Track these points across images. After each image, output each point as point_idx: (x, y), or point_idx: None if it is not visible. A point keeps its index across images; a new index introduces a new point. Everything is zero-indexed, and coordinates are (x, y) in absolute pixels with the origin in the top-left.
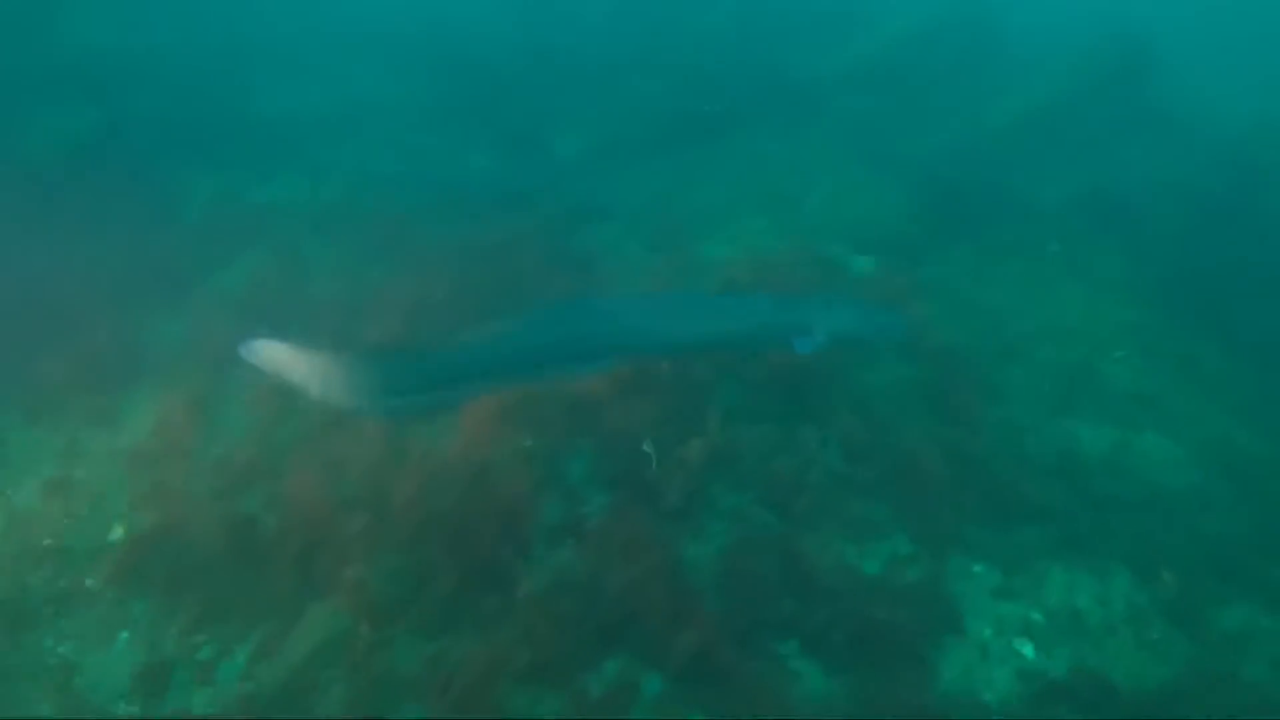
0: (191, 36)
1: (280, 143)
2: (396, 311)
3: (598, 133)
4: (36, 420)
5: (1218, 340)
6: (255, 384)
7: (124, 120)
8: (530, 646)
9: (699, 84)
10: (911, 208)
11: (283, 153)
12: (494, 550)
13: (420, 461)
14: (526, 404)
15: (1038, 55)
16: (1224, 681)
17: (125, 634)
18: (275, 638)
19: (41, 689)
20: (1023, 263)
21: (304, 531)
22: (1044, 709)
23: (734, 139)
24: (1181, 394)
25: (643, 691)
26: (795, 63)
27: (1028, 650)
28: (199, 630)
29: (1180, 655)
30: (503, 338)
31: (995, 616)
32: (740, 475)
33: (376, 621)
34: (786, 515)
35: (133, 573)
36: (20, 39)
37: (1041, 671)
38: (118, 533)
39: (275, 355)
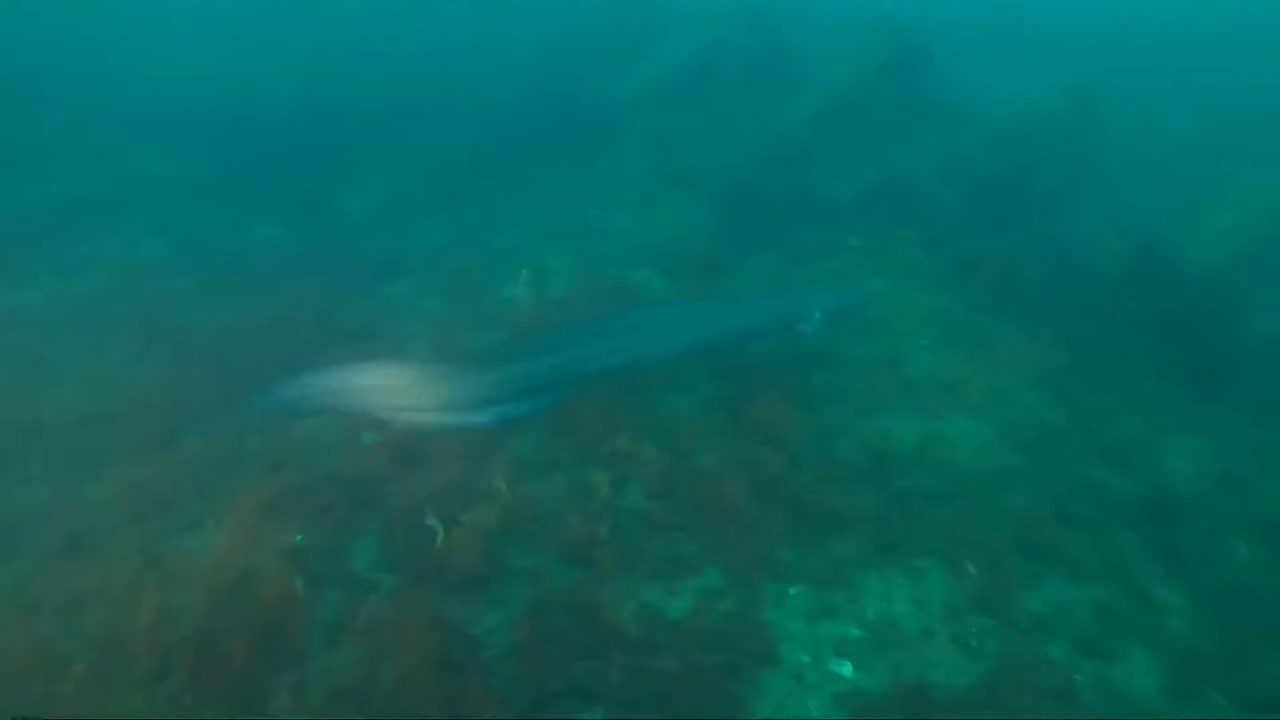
0: None
1: (34, 238)
2: (150, 414)
3: (390, 186)
4: None
5: (1013, 317)
6: None
7: None
8: None
9: (497, 123)
10: (715, 220)
11: (35, 249)
12: (252, 672)
13: (168, 579)
14: (297, 493)
15: (823, 57)
16: (1031, 669)
17: None
18: None
19: None
20: (825, 262)
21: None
22: None
23: (534, 175)
24: (985, 375)
25: None
26: (593, 89)
27: (846, 670)
28: None
29: (993, 648)
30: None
31: (812, 640)
32: (536, 533)
33: None
34: (589, 567)
35: None
36: None
37: (860, 691)
38: None
39: None
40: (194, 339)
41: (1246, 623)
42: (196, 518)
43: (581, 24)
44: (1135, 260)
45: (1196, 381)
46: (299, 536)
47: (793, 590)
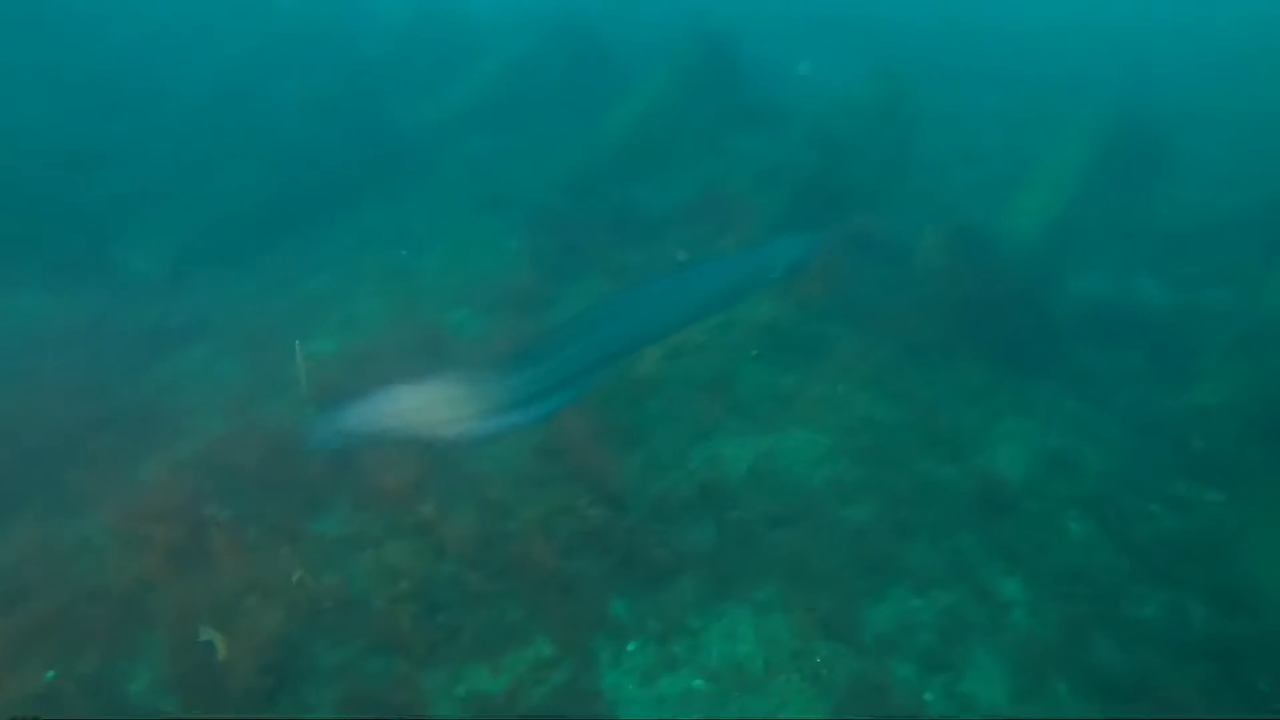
0: None
1: None
2: None
3: (180, 238)
4: None
5: (843, 318)
6: None
7: None
8: None
9: (299, 160)
10: (534, 248)
11: None
12: None
13: None
14: (48, 621)
15: (640, 67)
16: (882, 693)
17: None
18: None
19: None
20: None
21: None
22: None
23: (342, 215)
24: (818, 381)
25: None
26: (403, 115)
27: None
28: None
29: (842, 676)
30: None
31: (654, 699)
32: (343, 623)
33: None
34: (406, 655)
35: None
36: None
37: None
38: None
39: None
40: None
41: (1083, 606)
42: None
43: (387, 45)
44: (952, 246)
45: (1020, 360)
46: (50, 675)
47: (630, 647)
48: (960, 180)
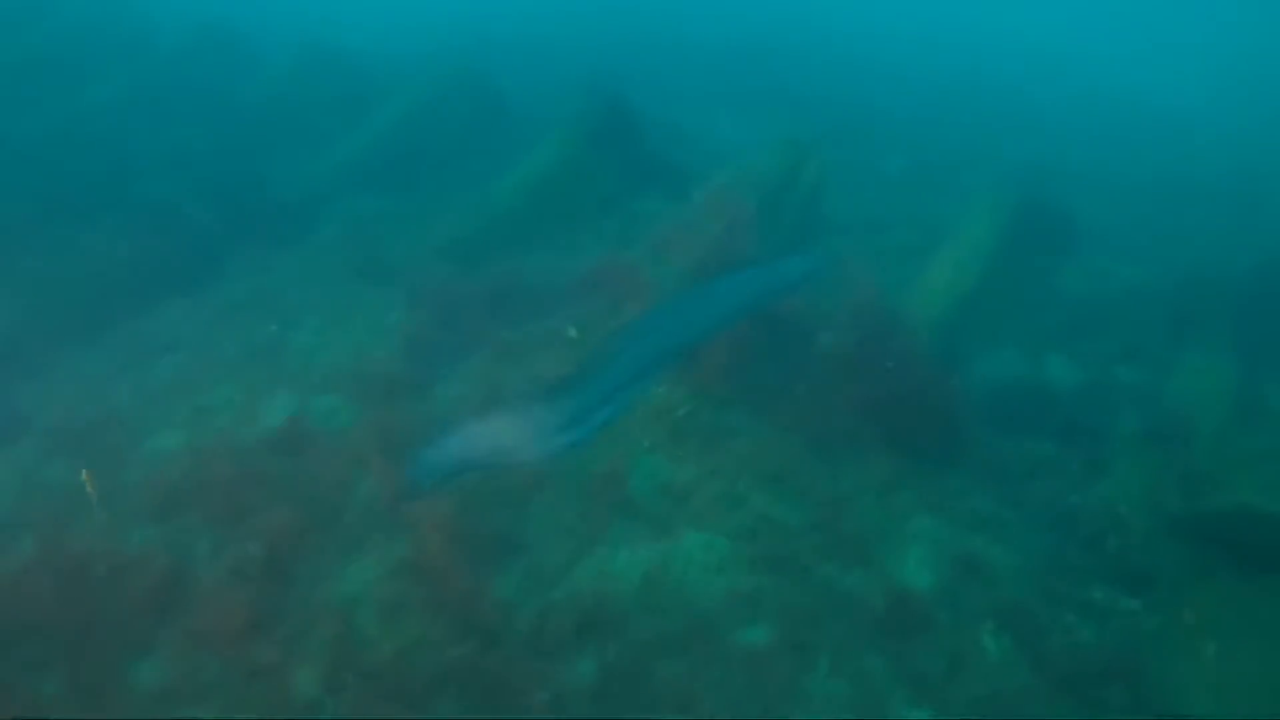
0: None
1: None
2: None
3: (10, 313)
4: None
5: (744, 404)
6: None
7: None
8: None
9: (161, 224)
10: (416, 322)
11: None
12: None
13: None
14: None
15: (542, 121)
16: None
17: None
18: None
19: None
20: (541, 357)
21: None
22: None
23: (208, 285)
24: (717, 475)
25: None
26: (284, 173)
27: None
28: None
29: None
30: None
31: None
32: None
33: None
34: None
35: None
36: None
37: None
38: None
39: None
40: None
41: None
42: None
43: (268, 92)
44: (858, 326)
45: (929, 450)
46: None
47: None
48: (865, 249)
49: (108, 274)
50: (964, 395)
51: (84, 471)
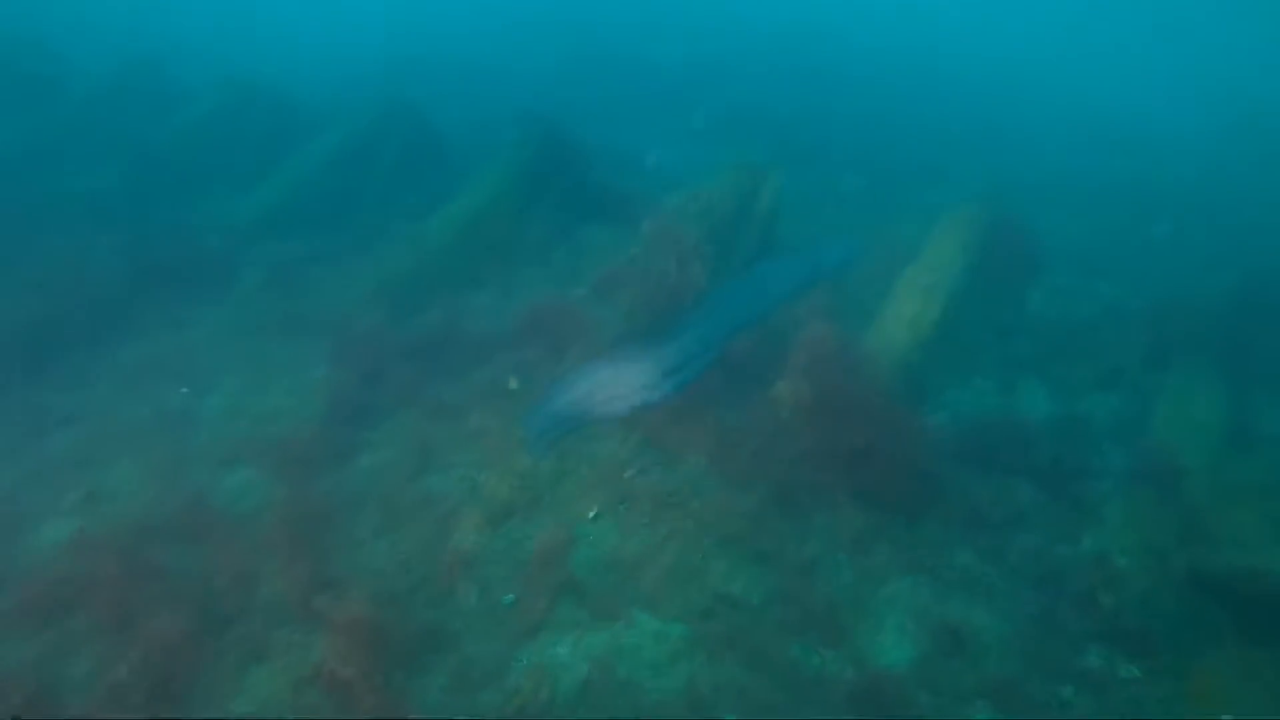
0: None
1: None
2: None
3: None
4: None
5: (698, 457)
6: None
7: None
8: None
9: (65, 277)
10: (340, 380)
11: None
12: None
13: None
14: None
15: (476, 155)
16: None
17: None
18: None
19: None
20: (477, 415)
21: None
22: None
23: (115, 344)
24: (671, 542)
25: None
26: (202, 217)
27: None
28: None
29: None
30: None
31: None
32: None
33: None
34: None
35: None
36: None
37: None
38: None
39: None
40: None
41: None
42: None
43: (191, 134)
44: (821, 367)
45: (902, 499)
46: None
47: None
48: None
49: (3, 335)
50: (936, 436)
51: None
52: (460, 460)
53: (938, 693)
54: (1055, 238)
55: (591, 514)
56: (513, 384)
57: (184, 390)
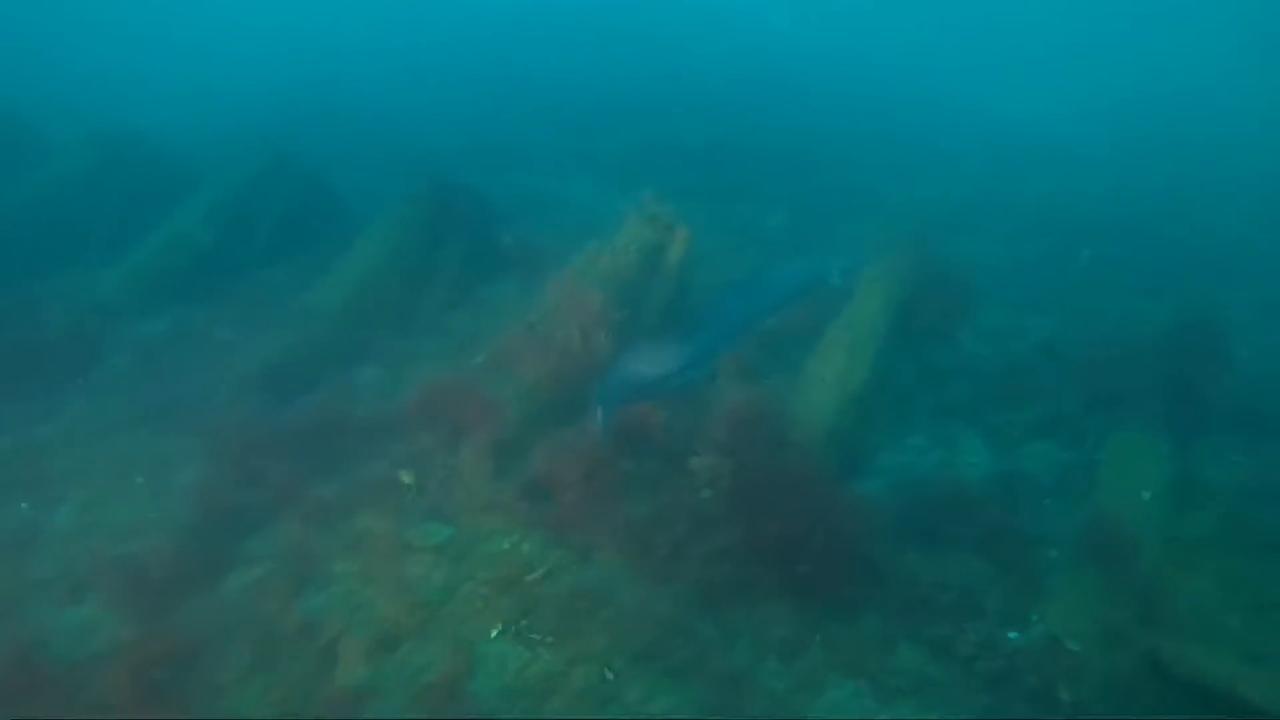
0: None
1: None
2: None
3: None
4: None
5: (610, 553)
6: None
7: None
8: None
9: None
10: (210, 482)
11: None
12: None
13: None
14: None
15: (374, 212)
16: None
17: None
18: None
19: None
20: (363, 517)
21: None
22: None
23: None
24: (583, 660)
25: None
26: (59, 291)
27: None
28: None
29: None
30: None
31: None
32: None
33: None
34: None
35: None
36: None
37: None
38: None
39: None
40: None
41: None
42: None
43: (48, 196)
44: (738, 442)
45: (836, 588)
46: None
47: None
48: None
49: None
50: (872, 511)
51: None
52: (344, 572)
53: None
54: (982, 268)
55: (493, 633)
56: (405, 478)
57: (23, 506)
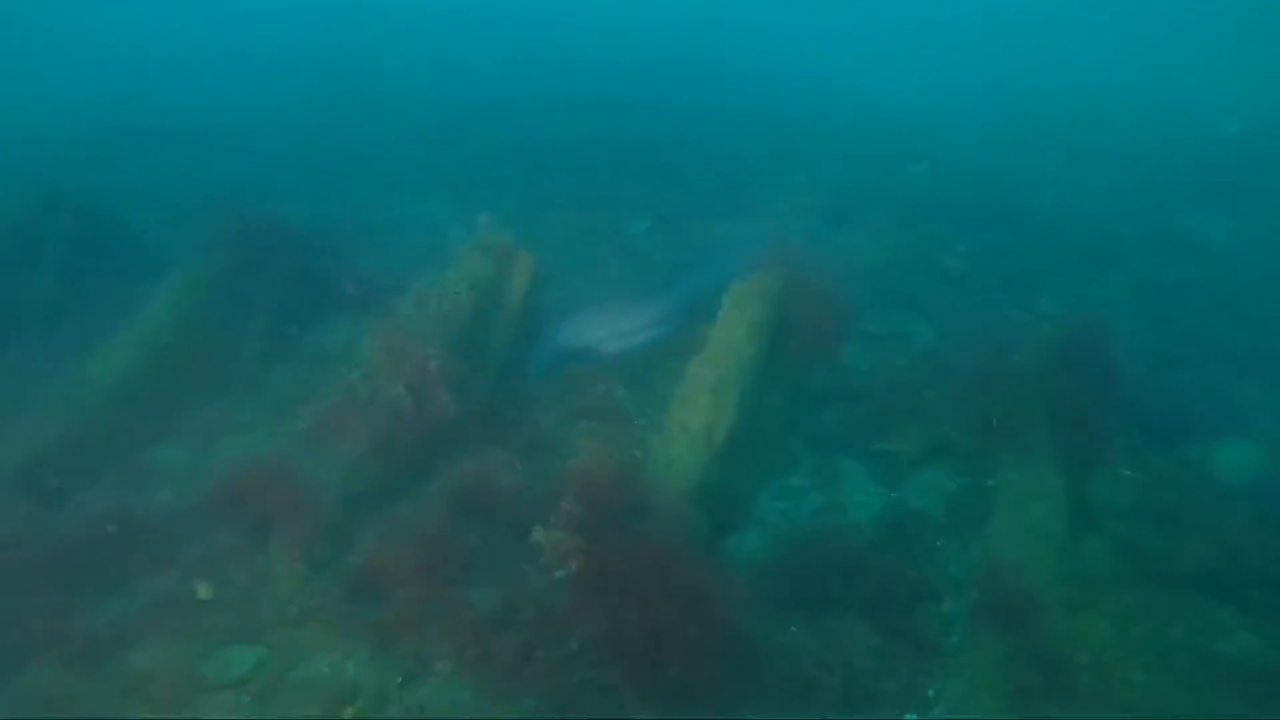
0: None
1: None
2: None
3: None
4: None
5: (444, 661)
6: None
7: None
8: None
9: None
10: None
11: None
12: None
13: None
14: None
15: (171, 257)
16: None
17: None
18: None
19: None
20: (155, 647)
21: None
22: None
23: None
24: None
25: None
26: None
27: None
28: None
29: None
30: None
31: None
32: None
33: None
34: None
35: None
36: None
37: None
38: None
39: None
40: None
41: None
42: None
43: None
44: (591, 514)
45: (713, 689)
46: None
47: None
48: (596, 374)
49: None
50: (748, 577)
51: None
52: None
53: None
54: (859, 267)
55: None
56: (202, 592)
57: None
